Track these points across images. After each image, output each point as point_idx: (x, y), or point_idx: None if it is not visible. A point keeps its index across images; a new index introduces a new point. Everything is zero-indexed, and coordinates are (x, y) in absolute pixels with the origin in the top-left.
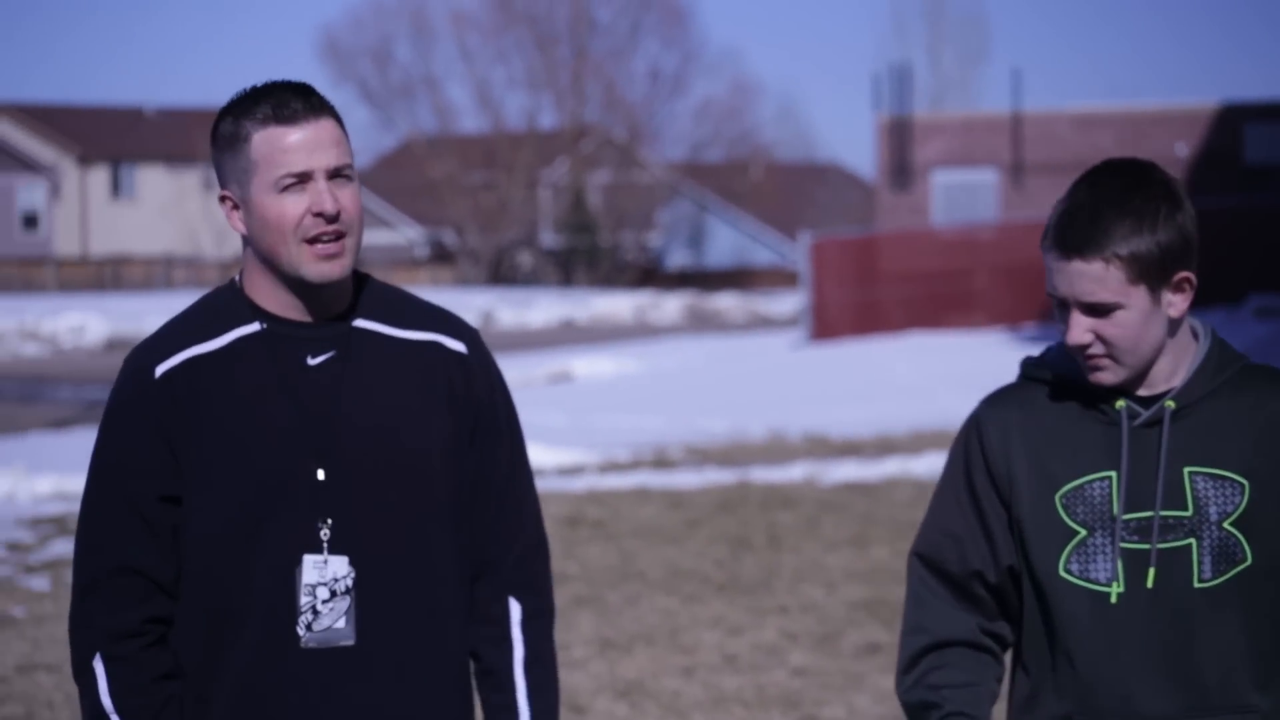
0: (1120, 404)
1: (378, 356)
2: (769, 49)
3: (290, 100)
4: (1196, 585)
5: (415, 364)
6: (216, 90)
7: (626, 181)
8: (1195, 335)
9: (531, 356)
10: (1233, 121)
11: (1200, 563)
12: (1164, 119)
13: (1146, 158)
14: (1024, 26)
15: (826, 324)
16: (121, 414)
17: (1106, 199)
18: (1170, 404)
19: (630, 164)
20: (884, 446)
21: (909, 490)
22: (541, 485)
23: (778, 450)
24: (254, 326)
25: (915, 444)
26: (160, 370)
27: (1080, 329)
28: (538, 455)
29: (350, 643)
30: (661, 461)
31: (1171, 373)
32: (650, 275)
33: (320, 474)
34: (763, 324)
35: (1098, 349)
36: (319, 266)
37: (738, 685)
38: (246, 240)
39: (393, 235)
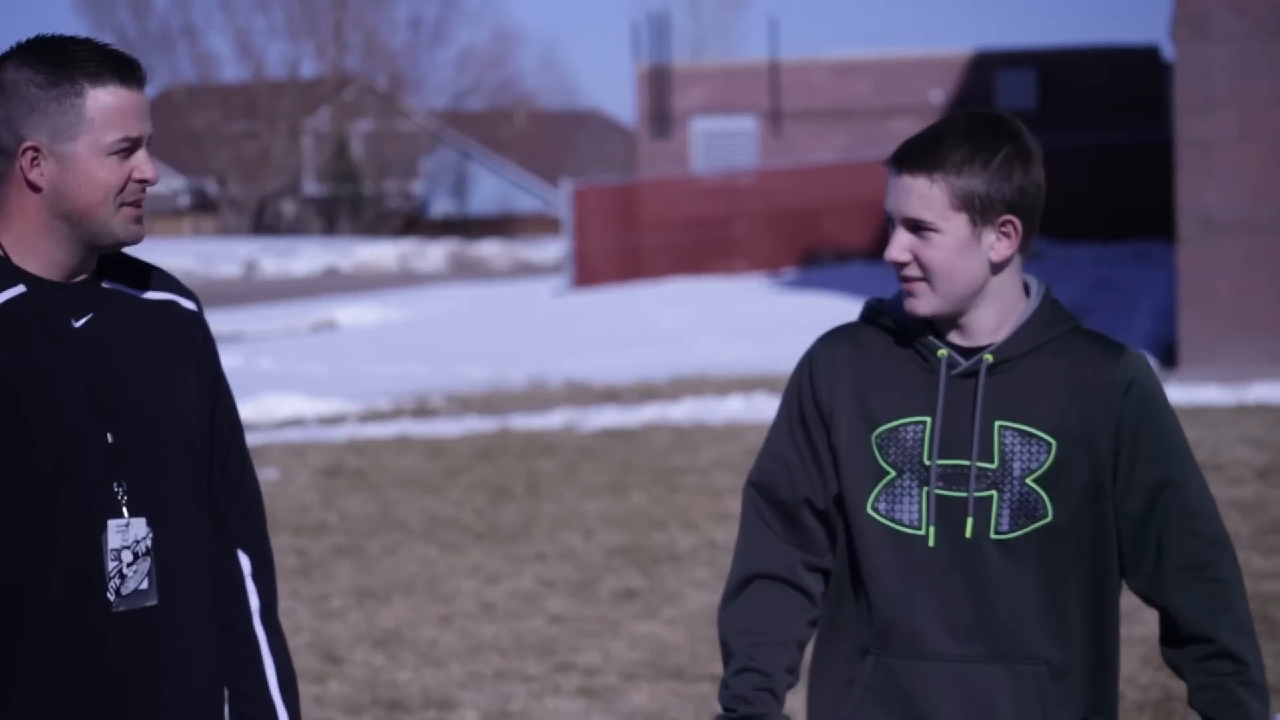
0: (942, 353)
1: (129, 317)
2: None
3: (129, 62)
4: (993, 536)
5: (161, 324)
6: None
7: (389, 130)
8: (1027, 293)
9: (295, 306)
10: (985, 68)
11: (999, 515)
12: (919, 66)
13: (902, 103)
14: None
15: (589, 270)
16: None
17: (952, 129)
18: (988, 357)
19: (393, 112)
20: (644, 393)
21: (668, 436)
22: (302, 435)
23: (538, 397)
24: (19, 288)
25: (675, 390)
26: None
27: (899, 246)
28: (299, 405)
29: (154, 603)
30: (423, 410)
31: (996, 327)
32: (414, 223)
33: (109, 437)
34: (527, 271)
35: (913, 270)
36: (133, 229)
37: (494, 633)
38: (14, 193)
39: (154, 186)
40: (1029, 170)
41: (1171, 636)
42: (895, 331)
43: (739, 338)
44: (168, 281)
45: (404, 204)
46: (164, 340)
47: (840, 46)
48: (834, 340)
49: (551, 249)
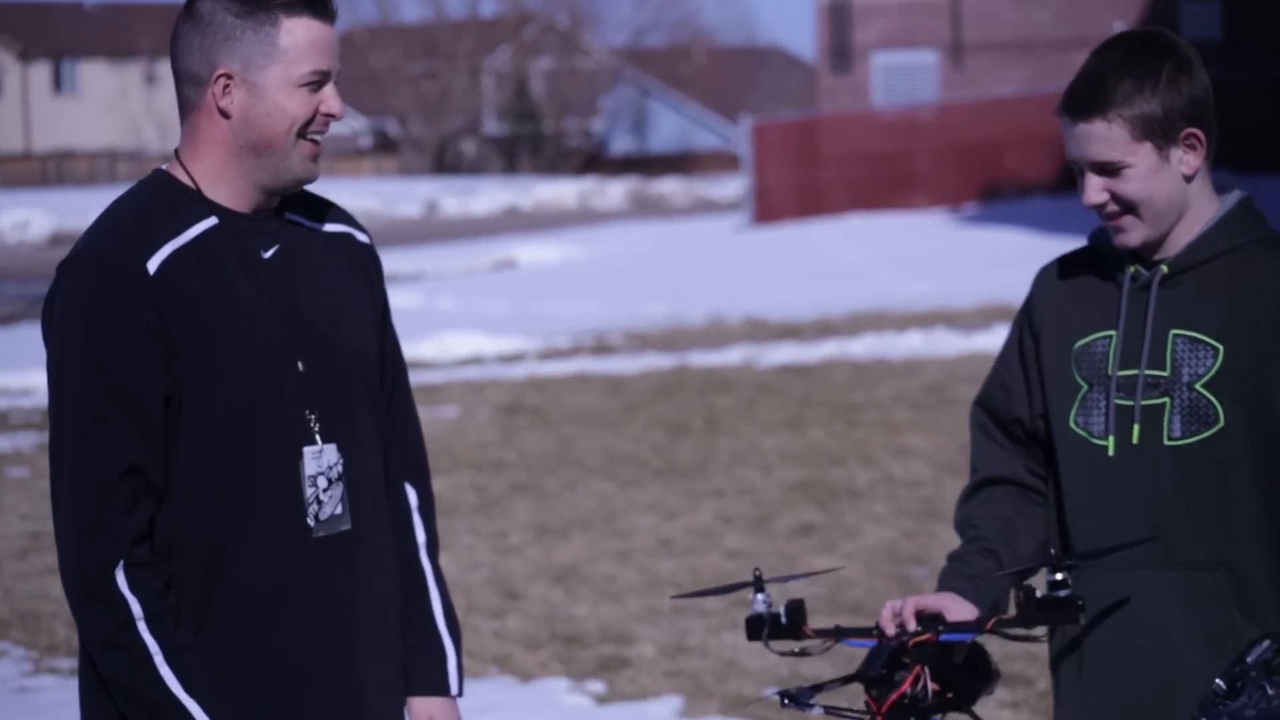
0: (1131, 268)
1: (311, 249)
2: None
3: None
4: (1166, 443)
5: (340, 256)
6: None
7: (569, 68)
8: (1220, 204)
9: (476, 245)
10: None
11: (1170, 421)
12: None
13: (1084, 35)
14: None
15: (768, 207)
16: (114, 310)
17: (1109, 63)
18: (1164, 268)
19: (572, 51)
20: (822, 329)
21: (846, 372)
22: (482, 373)
23: (716, 334)
24: (211, 220)
25: (853, 325)
26: (153, 265)
27: (1094, 189)
28: (479, 343)
29: (348, 528)
30: (601, 347)
31: (1185, 240)
32: (594, 162)
33: (300, 365)
34: (706, 208)
35: (1113, 208)
36: (310, 166)
37: (671, 569)
38: (195, 130)
39: (336, 126)
40: (1194, 77)
41: None
42: (1103, 254)
43: (918, 274)
44: (343, 215)
45: (584, 142)
46: (343, 272)
47: None
48: (1051, 267)
49: (731, 186)
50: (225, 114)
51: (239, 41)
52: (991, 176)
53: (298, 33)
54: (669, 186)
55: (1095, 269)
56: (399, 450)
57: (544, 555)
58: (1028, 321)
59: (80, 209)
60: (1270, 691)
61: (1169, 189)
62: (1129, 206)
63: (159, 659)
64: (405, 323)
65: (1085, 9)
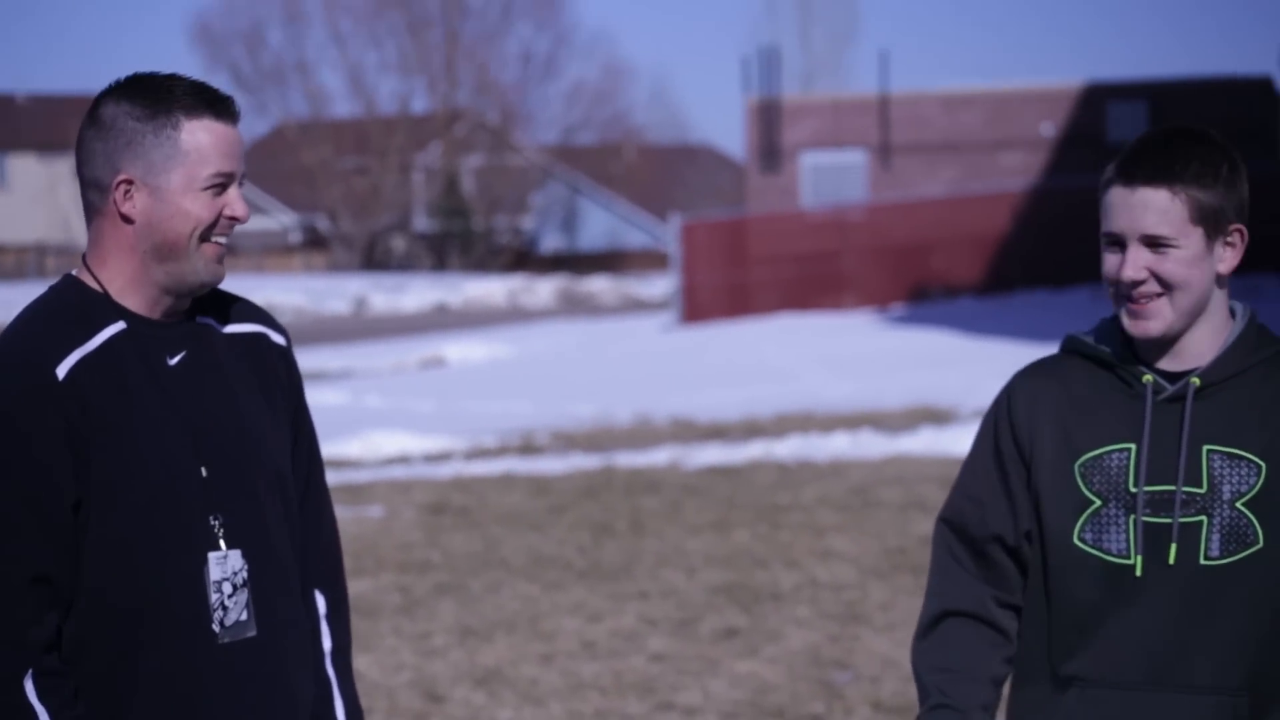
0: (1147, 378)
1: (220, 353)
2: (641, 32)
3: (224, 97)
4: (1202, 562)
5: (250, 358)
6: (88, 77)
7: (499, 165)
8: (1233, 315)
9: (404, 342)
10: (1096, 101)
11: (1209, 540)
12: (1030, 99)
13: (1012, 136)
14: (892, 6)
15: (697, 306)
16: (22, 415)
17: (1177, 139)
18: (1196, 381)
19: (503, 148)
20: (749, 429)
21: (772, 473)
22: (408, 472)
23: (644, 435)
24: (119, 325)
25: (780, 426)
26: (62, 371)
27: (1136, 264)
28: (406, 442)
29: (254, 634)
30: (528, 447)
31: (1206, 349)
32: (524, 259)
33: (204, 471)
34: (635, 307)
35: (1151, 286)
36: (214, 268)
37: (595, 672)
38: (101, 235)
39: (266, 221)
40: (1244, 180)
41: None
42: (1096, 360)
43: (846, 374)
44: (256, 314)
45: (514, 239)
46: (253, 375)
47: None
48: (1032, 374)
49: (660, 285)
50: (128, 219)
51: (140, 145)
52: (919, 277)
53: (199, 135)
54: (598, 285)
55: (1087, 378)
56: (311, 554)
57: (467, 657)
58: (1010, 429)
59: (7, 303)
60: None
61: (1204, 283)
62: (1166, 288)
63: None
64: (332, 421)
65: (1012, 111)
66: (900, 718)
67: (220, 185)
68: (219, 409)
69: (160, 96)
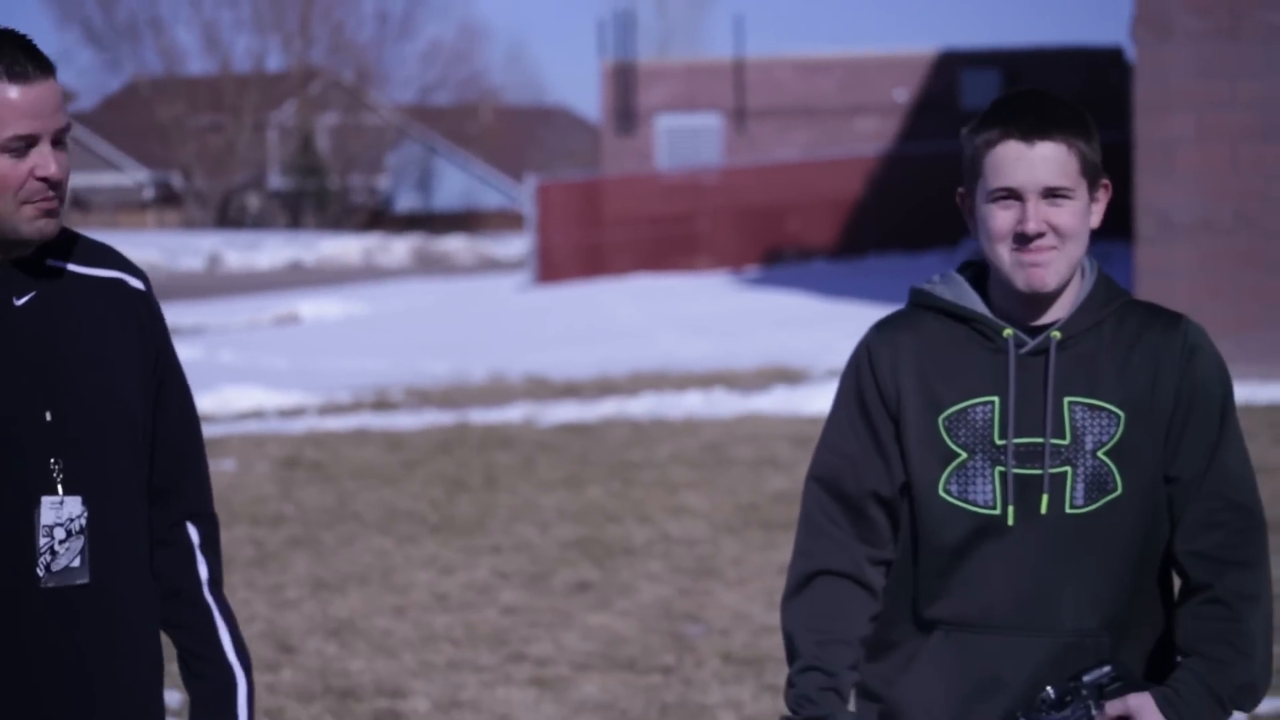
0: (1008, 332)
1: (73, 295)
2: None
3: (20, 58)
4: (1068, 511)
5: (106, 302)
6: None
7: (355, 124)
8: (1083, 271)
9: (258, 299)
10: (950, 68)
11: (1073, 489)
12: (884, 65)
13: (866, 102)
14: None
15: (552, 267)
16: None
17: (1048, 97)
18: (1057, 334)
19: (358, 107)
20: (603, 388)
21: (625, 431)
22: (261, 427)
23: (498, 392)
24: None
25: (634, 385)
26: None
27: (1038, 217)
28: (260, 398)
29: (85, 581)
30: (382, 403)
31: (1061, 304)
32: (379, 218)
33: (48, 415)
34: (491, 267)
35: (1049, 239)
36: (38, 224)
37: (447, 623)
38: None
39: (119, 177)
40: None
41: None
42: (950, 315)
43: (700, 334)
44: (115, 259)
45: (369, 199)
46: (108, 318)
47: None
48: (889, 328)
49: (515, 245)
50: None
51: None
52: (773, 240)
53: (1, 101)
54: (454, 244)
55: (945, 331)
56: (183, 490)
57: (320, 609)
58: (874, 384)
59: None
60: (1094, 713)
61: (1086, 235)
62: (1062, 240)
63: None
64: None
65: (866, 77)
66: (749, 669)
67: (20, 147)
68: (69, 351)
69: None
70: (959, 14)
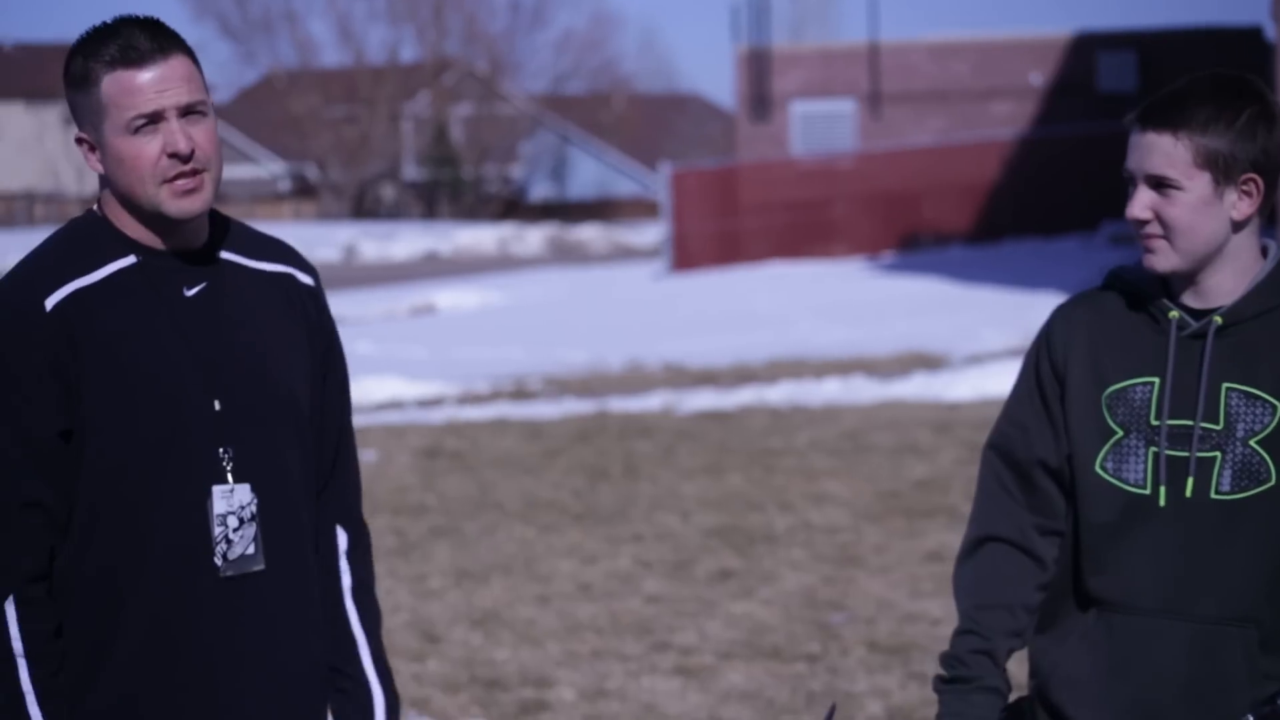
0: (1173, 314)
1: (243, 288)
2: None
3: (137, 39)
4: (1213, 497)
5: (276, 296)
6: (74, 24)
7: (489, 114)
8: (1265, 256)
9: (394, 289)
10: (1086, 50)
11: (1220, 475)
12: (1019, 48)
13: (1001, 86)
14: None
15: (687, 254)
16: (10, 349)
17: (1196, 88)
18: (1218, 319)
19: (492, 97)
20: (741, 375)
21: (764, 418)
22: (401, 417)
23: (636, 380)
24: (129, 259)
25: (772, 372)
26: (51, 303)
27: (1141, 203)
28: (398, 388)
29: (261, 568)
30: (521, 392)
31: (1232, 288)
32: (513, 207)
33: (216, 404)
34: (625, 255)
35: (1154, 228)
36: (179, 203)
37: (591, 613)
38: (104, 180)
39: (255, 170)
40: (1273, 130)
41: None
42: (1132, 295)
43: (836, 321)
44: (286, 254)
45: (503, 188)
46: (278, 312)
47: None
48: (1072, 305)
49: (650, 233)
50: (99, 172)
51: (80, 109)
52: (909, 225)
53: (112, 84)
54: (588, 233)
55: (1123, 311)
56: (334, 492)
57: (464, 599)
58: (1048, 358)
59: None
60: None
61: (1213, 227)
62: (1168, 231)
63: (30, 700)
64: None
65: (1001, 60)
66: (895, 657)
67: (146, 124)
68: (238, 342)
69: (87, 53)
70: None
